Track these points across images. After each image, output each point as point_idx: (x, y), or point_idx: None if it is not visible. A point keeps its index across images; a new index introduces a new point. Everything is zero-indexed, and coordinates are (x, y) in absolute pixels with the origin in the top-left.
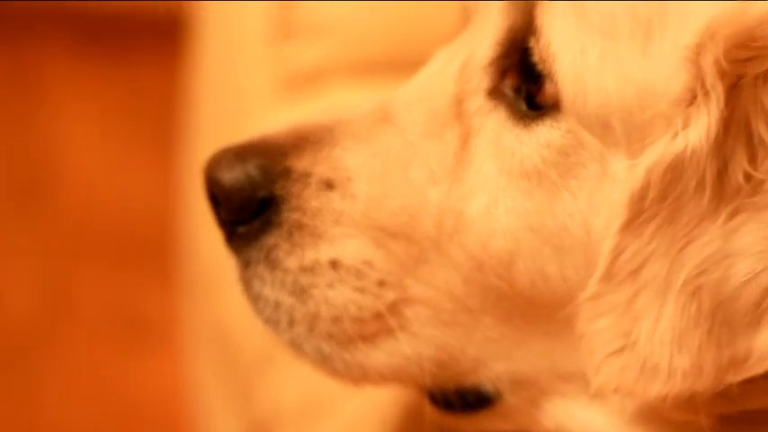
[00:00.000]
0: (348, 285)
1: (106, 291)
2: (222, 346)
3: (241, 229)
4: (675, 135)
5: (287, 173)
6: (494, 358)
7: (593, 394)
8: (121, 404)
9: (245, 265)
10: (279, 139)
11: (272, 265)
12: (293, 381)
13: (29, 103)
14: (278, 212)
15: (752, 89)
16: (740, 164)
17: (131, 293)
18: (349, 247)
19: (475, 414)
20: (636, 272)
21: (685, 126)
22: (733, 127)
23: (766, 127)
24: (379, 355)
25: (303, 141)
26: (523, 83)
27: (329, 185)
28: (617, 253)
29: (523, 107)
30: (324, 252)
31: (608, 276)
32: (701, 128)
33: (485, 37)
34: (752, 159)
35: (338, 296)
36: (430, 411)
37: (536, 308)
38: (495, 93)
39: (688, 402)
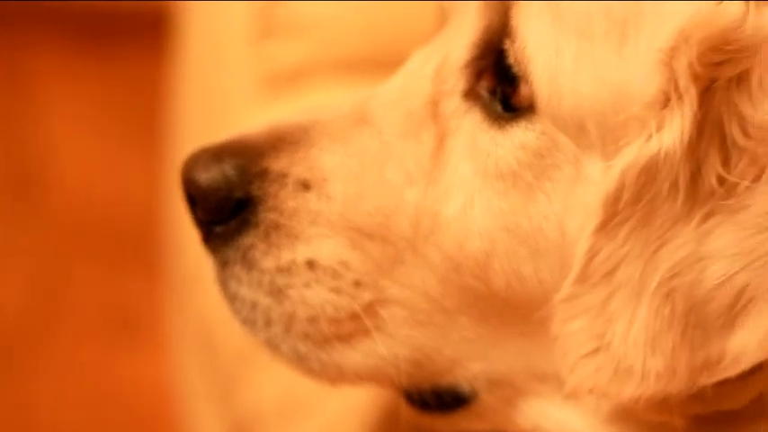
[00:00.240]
0: (324, 286)
1: (97, 288)
2: (205, 344)
3: (218, 229)
4: (649, 137)
5: (264, 173)
6: (470, 358)
7: (567, 394)
8: (111, 401)
9: (223, 265)
10: (256, 140)
11: (249, 265)
12: (273, 381)
13: (20, 102)
14: (255, 213)
15: (725, 92)
16: (713, 167)
17: (122, 291)
18: (325, 247)
19: (451, 414)
20: (610, 273)
21: (659, 129)
22: (706, 130)
23: (739, 130)
24: (355, 356)
25: (280, 142)
26: (499, 84)
27: (306, 186)
28: (591, 255)
29: (499, 109)
30: (300, 252)
31: (582, 278)
32: (674, 131)
33: (461, 38)
34: (725, 162)
35: (314, 296)
36: (406, 411)
37: (512, 308)
38: (470, 94)
39: (662, 403)
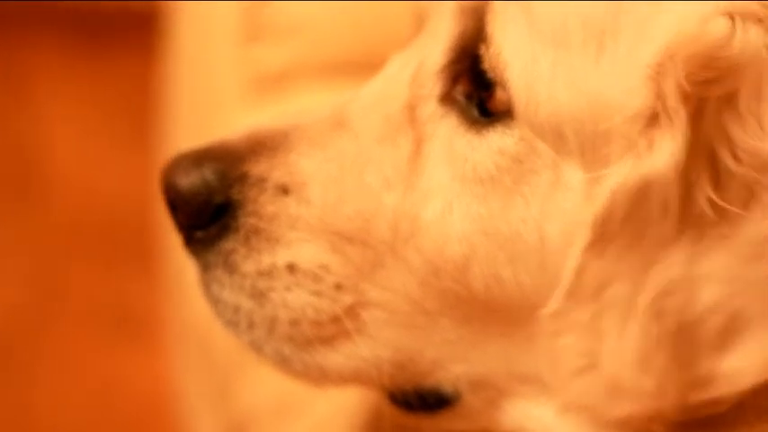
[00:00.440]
0: (305, 289)
1: (95, 286)
2: (201, 343)
3: (199, 234)
4: (639, 157)
5: (243, 178)
6: (452, 360)
7: (560, 408)
8: (109, 399)
9: (204, 268)
10: (236, 145)
11: (231, 269)
12: (267, 381)
13: (17, 101)
14: (235, 217)
15: (715, 114)
16: (704, 190)
17: (120, 289)
18: (305, 251)
19: (435, 414)
20: (599, 291)
21: (649, 149)
22: (697, 152)
23: (729, 154)
24: (337, 358)
25: (260, 146)
26: (475, 89)
27: (285, 190)
28: (580, 272)
29: (475, 113)
30: (280, 256)
31: (571, 294)
32: (665, 152)
33: (437, 43)
34: (716, 186)
35: (296, 300)
36: (390, 411)
37: (492, 311)
38: (447, 99)
39: (649, 416)
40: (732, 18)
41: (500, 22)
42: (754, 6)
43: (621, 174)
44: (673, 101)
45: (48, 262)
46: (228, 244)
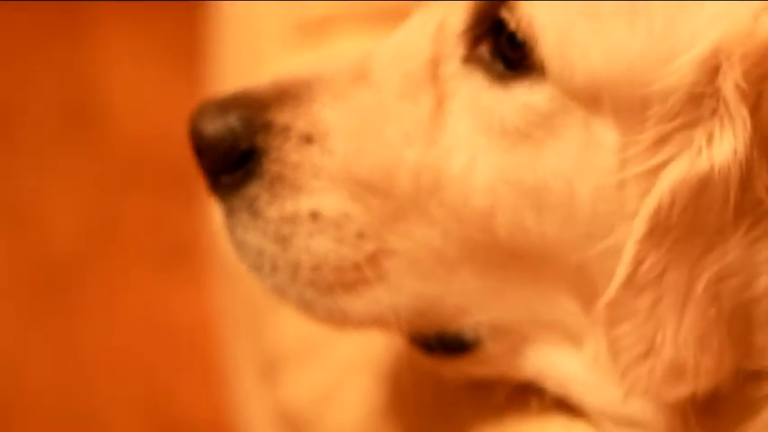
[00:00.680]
0: (327, 236)
1: (149, 217)
2: (236, 282)
3: (224, 179)
4: (699, 151)
5: (268, 126)
6: (473, 307)
7: (624, 394)
8: (155, 328)
9: (229, 212)
10: (261, 93)
11: (255, 214)
12: (292, 322)
13: (77, 35)
14: (260, 164)
15: None
16: (762, 179)
17: (174, 220)
18: (328, 199)
19: (456, 358)
20: (657, 279)
21: (709, 144)
22: (755, 143)
23: None
24: (358, 303)
25: (284, 95)
26: (501, 48)
27: (308, 140)
28: (637, 262)
29: (501, 68)
30: (304, 204)
31: (629, 284)
32: (726, 148)
33: (459, 3)
34: None
35: (318, 246)
36: (411, 354)
37: (515, 259)
38: (470, 58)
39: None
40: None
41: None
42: None
43: (681, 168)
44: (732, 99)
45: (106, 192)
46: (253, 189)
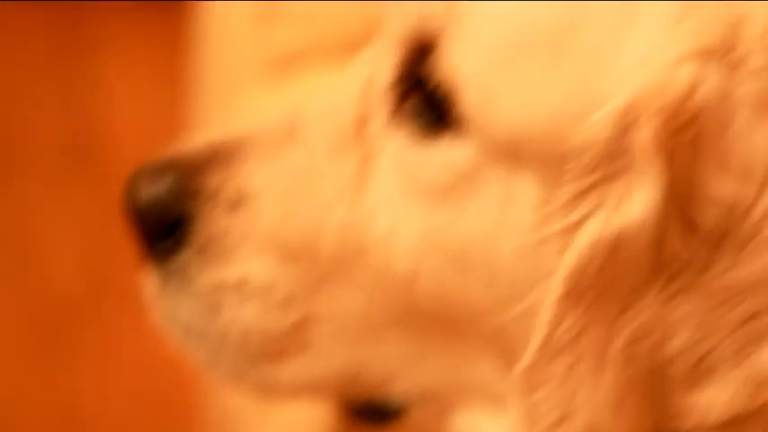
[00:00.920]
0: (254, 304)
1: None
2: None
3: (157, 246)
4: (615, 208)
5: (198, 192)
6: (399, 373)
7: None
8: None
9: (163, 281)
10: (194, 156)
11: (184, 283)
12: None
13: (83, 61)
14: (190, 231)
15: (684, 161)
16: (675, 237)
17: None
18: (255, 266)
19: (385, 425)
20: (574, 341)
21: (625, 200)
22: (668, 200)
23: (698, 203)
24: (287, 372)
25: (216, 158)
26: (426, 103)
27: (236, 204)
28: (555, 323)
29: (425, 128)
30: (231, 271)
31: (546, 347)
32: (640, 204)
33: (386, 57)
34: (686, 233)
35: (246, 315)
36: (344, 421)
37: (438, 323)
38: (396, 114)
39: None
40: (696, 60)
41: (451, 39)
42: (714, 43)
43: (597, 226)
44: (647, 155)
45: (105, 231)
46: (184, 257)
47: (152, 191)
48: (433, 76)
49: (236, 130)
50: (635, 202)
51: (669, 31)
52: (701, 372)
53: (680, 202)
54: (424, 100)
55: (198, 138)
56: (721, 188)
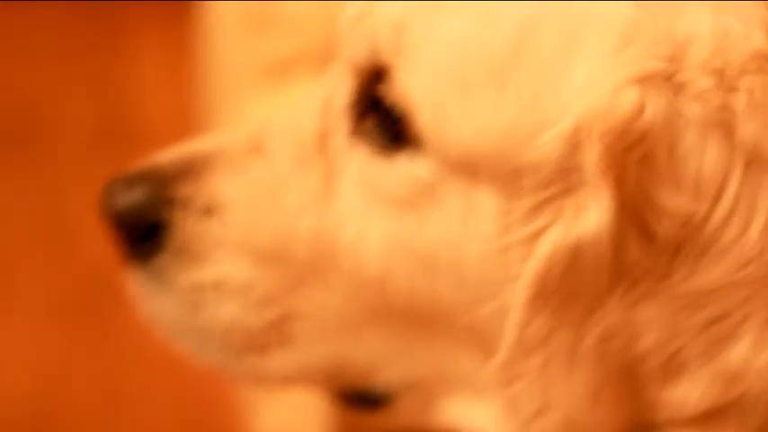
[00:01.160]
0: (234, 302)
1: None
2: None
3: (135, 251)
4: (570, 221)
5: (171, 200)
6: (382, 365)
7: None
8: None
9: (144, 281)
10: (166, 168)
11: (164, 284)
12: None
13: (116, 48)
14: (166, 236)
15: (636, 176)
16: (633, 247)
17: None
18: (231, 268)
19: (373, 411)
20: (544, 341)
21: (578, 214)
22: (623, 213)
23: (652, 213)
24: (271, 364)
25: (187, 169)
26: (384, 122)
27: (208, 212)
28: (524, 325)
29: (385, 142)
30: (207, 273)
31: (517, 346)
32: (593, 217)
33: (343, 78)
34: (643, 243)
35: (225, 313)
36: (333, 405)
37: (414, 320)
38: (356, 132)
39: None
40: (641, 83)
41: (402, 60)
42: (660, 64)
43: (555, 237)
44: (595, 173)
45: None
46: (161, 260)
47: (127, 198)
48: (388, 99)
49: (206, 143)
50: (590, 214)
51: (613, 57)
52: (672, 368)
53: (636, 214)
54: (382, 119)
55: (171, 151)
56: (676, 202)
